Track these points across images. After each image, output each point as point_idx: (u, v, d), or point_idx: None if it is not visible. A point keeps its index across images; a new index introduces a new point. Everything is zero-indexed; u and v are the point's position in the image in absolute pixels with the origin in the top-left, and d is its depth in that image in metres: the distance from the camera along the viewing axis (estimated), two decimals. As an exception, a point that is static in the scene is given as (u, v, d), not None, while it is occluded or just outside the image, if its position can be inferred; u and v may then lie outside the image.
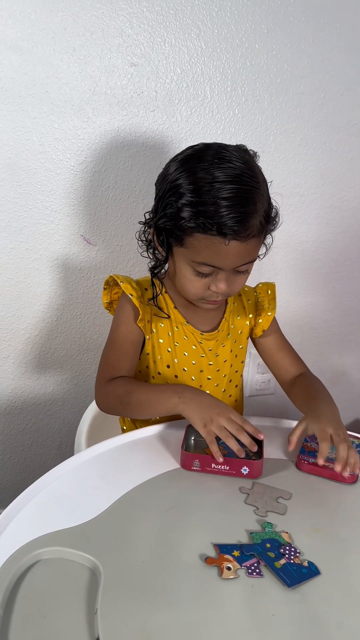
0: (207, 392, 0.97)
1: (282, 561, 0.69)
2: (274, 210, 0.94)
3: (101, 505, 0.77)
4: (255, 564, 0.68)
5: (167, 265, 1.00)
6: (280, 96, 1.40)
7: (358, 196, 1.57)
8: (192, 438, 0.94)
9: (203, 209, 0.85)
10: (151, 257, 1.01)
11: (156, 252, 1.00)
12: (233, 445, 0.84)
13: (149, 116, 1.31)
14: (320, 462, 0.83)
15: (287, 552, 0.70)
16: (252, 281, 1.14)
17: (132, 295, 1.00)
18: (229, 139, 1.38)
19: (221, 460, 0.84)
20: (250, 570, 0.67)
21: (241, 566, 0.68)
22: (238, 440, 0.85)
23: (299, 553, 0.70)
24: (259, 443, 0.90)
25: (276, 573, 0.67)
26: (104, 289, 1.09)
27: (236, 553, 0.69)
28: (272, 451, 0.94)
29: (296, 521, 0.77)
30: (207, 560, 0.68)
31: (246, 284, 1.13)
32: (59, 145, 1.27)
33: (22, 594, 0.63)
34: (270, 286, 1.15)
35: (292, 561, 0.69)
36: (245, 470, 0.86)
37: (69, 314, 1.43)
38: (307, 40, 1.36)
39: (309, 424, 0.90)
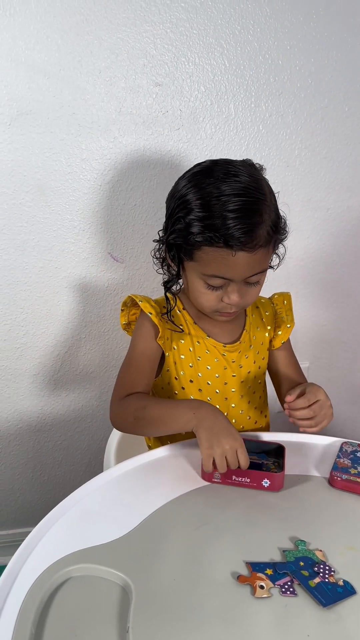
0: (225, 414, 0.96)
1: (317, 580, 0.67)
2: (282, 220, 0.95)
3: (131, 522, 0.77)
4: (289, 583, 0.67)
5: (182, 282, 1.01)
6: (304, 111, 1.40)
7: (386, 208, 1.56)
8: None
9: (210, 222, 0.86)
10: (165, 273, 1.03)
11: (169, 267, 1.01)
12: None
13: (174, 134, 1.33)
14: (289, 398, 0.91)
15: (321, 570, 0.69)
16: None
17: (151, 313, 1.01)
18: (253, 154, 1.38)
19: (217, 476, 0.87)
20: (284, 589, 0.66)
21: (274, 585, 0.66)
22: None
23: (334, 572, 0.69)
24: (281, 455, 0.90)
25: (310, 592, 0.65)
26: (122, 310, 1.09)
27: (269, 571, 0.68)
28: (304, 468, 0.93)
29: (330, 539, 0.75)
30: (240, 578, 0.67)
31: (261, 295, 1.14)
32: (86, 165, 1.29)
33: (54, 612, 0.63)
34: (285, 297, 1.15)
35: (326, 580, 0.67)
36: (266, 482, 0.85)
37: (97, 331, 1.44)
38: (331, 55, 1.37)
39: (307, 386, 0.94)
